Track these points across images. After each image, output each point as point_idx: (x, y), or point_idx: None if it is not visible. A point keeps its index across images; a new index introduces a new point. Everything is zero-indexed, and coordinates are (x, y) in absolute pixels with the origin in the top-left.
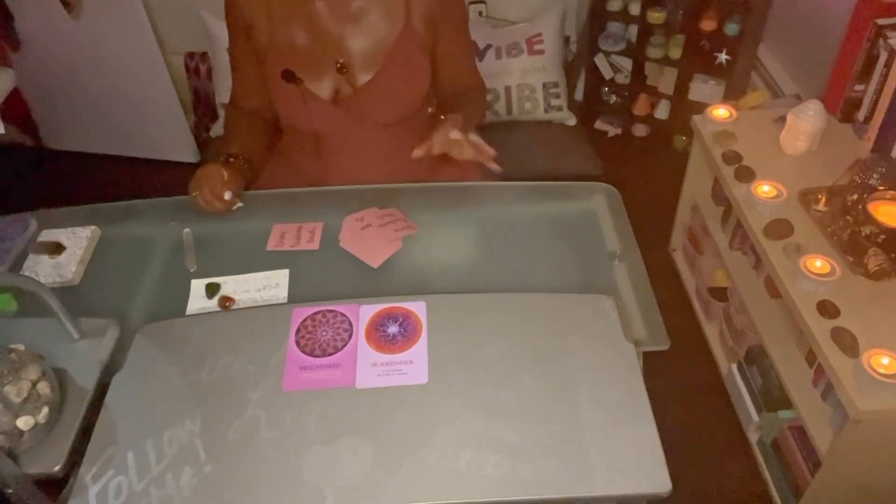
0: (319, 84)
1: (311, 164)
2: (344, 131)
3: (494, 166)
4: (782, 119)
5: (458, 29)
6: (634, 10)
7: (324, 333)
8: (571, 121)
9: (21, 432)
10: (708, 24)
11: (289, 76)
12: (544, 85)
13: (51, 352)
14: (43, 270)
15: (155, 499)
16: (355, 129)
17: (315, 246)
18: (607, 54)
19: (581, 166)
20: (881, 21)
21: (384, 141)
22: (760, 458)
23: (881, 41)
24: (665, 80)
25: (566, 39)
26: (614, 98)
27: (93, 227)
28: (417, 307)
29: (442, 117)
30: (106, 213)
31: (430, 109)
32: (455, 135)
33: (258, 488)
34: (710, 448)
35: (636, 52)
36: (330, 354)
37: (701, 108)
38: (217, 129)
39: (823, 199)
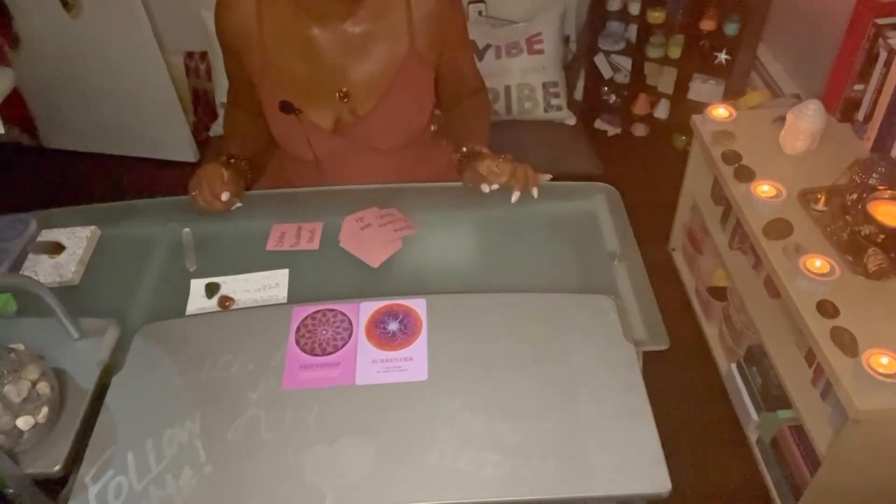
0: (320, 114)
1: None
2: (344, 158)
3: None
4: (782, 119)
5: (461, 39)
6: (634, 9)
7: (324, 332)
8: (571, 120)
9: (21, 432)
10: (707, 24)
11: (287, 107)
12: (544, 84)
13: (51, 352)
14: (43, 270)
15: (155, 499)
16: (356, 155)
17: (315, 246)
18: (607, 54)
19: (581, 166)
20: (881, 21)
21: (386, 166)
22: (760, 458)
23: (881, 41)
24: (664, 80)
25: (566, 39)
26: (614, 98)
27: (93, 227)
28: (418, 305)
29: (465, 149)
30: (106, 213)
31: (432, 128)
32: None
33: (258, 488)
34: (710, 448)
35: (636, 52)
36: (330, 353)
37: (700, 107)
38: (217, 129)
39: (823, 199)
